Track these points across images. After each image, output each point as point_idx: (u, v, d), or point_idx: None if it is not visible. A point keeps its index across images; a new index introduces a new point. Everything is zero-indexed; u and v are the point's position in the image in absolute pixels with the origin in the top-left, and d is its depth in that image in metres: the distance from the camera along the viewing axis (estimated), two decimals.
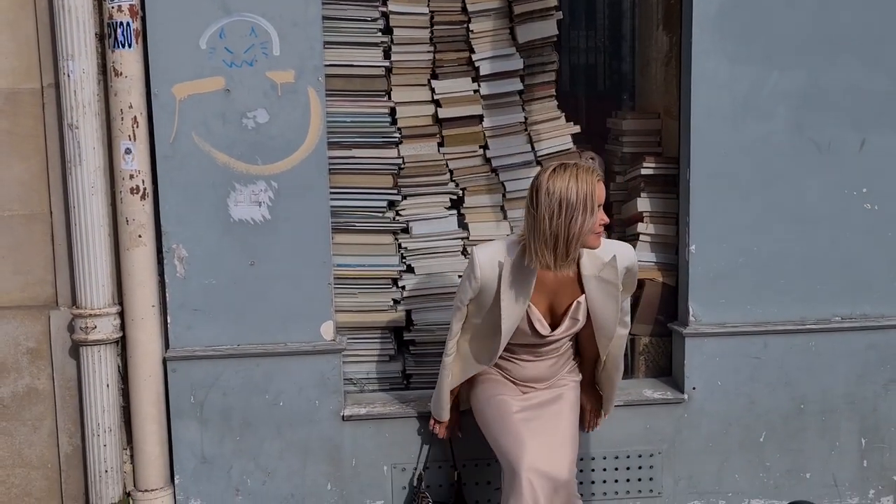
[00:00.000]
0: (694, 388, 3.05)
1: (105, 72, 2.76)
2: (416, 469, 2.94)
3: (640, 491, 3.07)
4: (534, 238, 2.33)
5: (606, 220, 2.37)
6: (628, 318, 2.65)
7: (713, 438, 3.07)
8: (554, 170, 2.32)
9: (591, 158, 3.30)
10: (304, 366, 2.90)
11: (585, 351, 2.73)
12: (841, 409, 3.11)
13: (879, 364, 3.10)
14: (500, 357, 2.59)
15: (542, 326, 2.50)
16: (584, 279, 2.46)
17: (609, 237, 3.27)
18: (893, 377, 3.11)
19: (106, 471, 2.85)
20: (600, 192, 2.33)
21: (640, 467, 3.06)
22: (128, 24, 2.69)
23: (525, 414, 2.55)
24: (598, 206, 2.32)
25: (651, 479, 3.07)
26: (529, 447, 2.41)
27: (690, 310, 3.04)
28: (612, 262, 2.43)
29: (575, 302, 2.50)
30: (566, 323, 2.51)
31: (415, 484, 2.93)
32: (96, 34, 2.73)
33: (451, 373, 2.62)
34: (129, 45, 2.71)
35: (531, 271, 2.42)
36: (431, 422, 2.80)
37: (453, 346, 2.58)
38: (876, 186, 3.05)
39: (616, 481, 3.06)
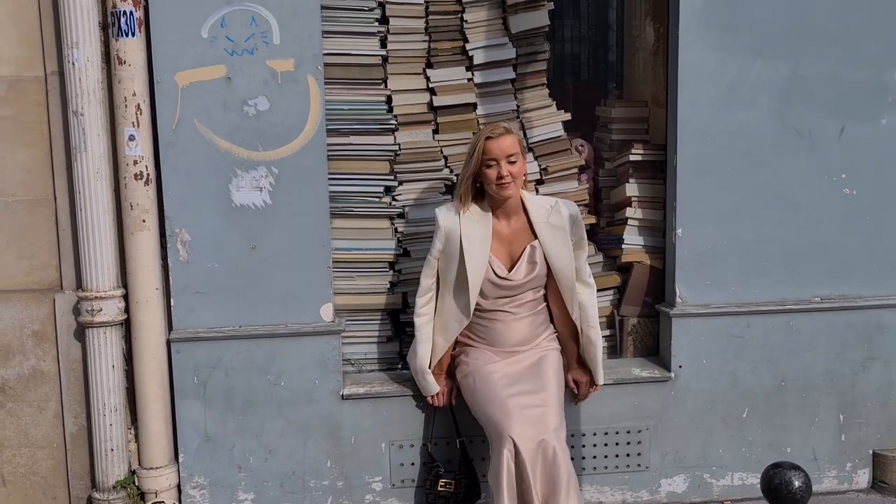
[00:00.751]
0: (680, 367, 3.17)
1: (108, 60, 2.81)
2: (423, 443, 3.03)
3: (628, 465, 3.19)
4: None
5: (504, 173, 2.68)
6: (591, 280, 2.90)
7: (698, 415, 3.19)
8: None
9: (581, 146, 3.40)
10: (304, 347, 2.98)
11: (561, 326, 2.89)
12: (820, 387, 3.24)
13: (857, 343, 3.23)
14: (481, 318, 2.79)
15: (500, 268, 2.74)
16: (535, 226, 2.79)
17: (599, 222, 3.41)
18: (871, 355, 3.25)
19: (112, 449, 2.92)
20: (492, 147, 2.68)
21: (628, 443, 3.18)
22: (131, 13, 2.75)
23: (509, 382, 2.71)
24: (490, 159, 2.68)
25: (639, 453, 3.19)
26: (515, 415, 2.56)
27: (677, 291, 3.15)
28: (555, 207, 2.82)
29: (529, 246, 2.77)
30: (525, 267, 2.75)
31: (424, 456, 3.02)
32: (100, 23, 2.78)
33: (430, 340, 2.82)
34: (133, 34, 2.77)
35: (486, 222, 2.77)
36: (431, 397, 2.90)
37: (423, 303, 2.82)
38: (854, 173, 3.17)
39: (606, 456, 3.17)
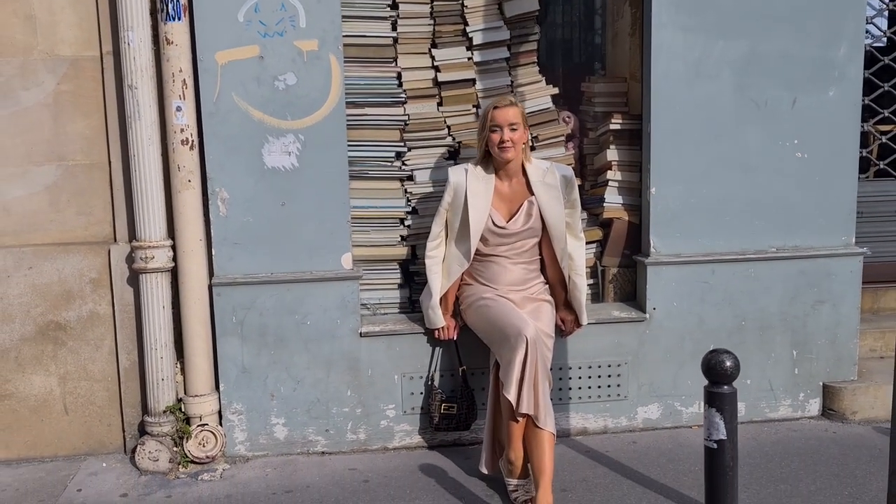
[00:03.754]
0: (654, 309, 3.61)
1: (157, 41, 3.23)
2: (428, 374, 3.47)
3: (609, 395, 3.64)
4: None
5: (507, 137, 3.09)
6: (582, 235, 3.35)
7: (670, 350, 3.64)
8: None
9: (568, 117, 3.83)
10: (327, 291, 3.42)
11: (552, 273, 3.31)
12: (776, 326, 3.69)
13: (808, 287, 3.68)
14: (482, 261, 3.22)
15: (500, 219, 3.16)
16: (532, 185, 3.20)
17: (584, 184, 3.82)
18: (820, 299, 3.69)
19: (162, 379, 3.37)
20: (496, 115, 3.09)
21: (609, 375, 3.63)
22: (177, 0, 3.18)
23: (519, 303, 3.14)
24: (494, 125, 3.09)
25: (619, 385, 3.63)
26: (529, 321, 2.98)
27: (651, 243, 3.60)
28: (550, 168, 3.24)
29: (526, 201, 3.19)
30: (522, 218, 3.17)
31: (428, 384, 3.47)
32: (150, 9, 3.20)
33: (440, 276, 3.27)
34: (179, 18, 3.19)
35: (489, 181, 3.18)
36: (436, 331, 3.35)
37: (433, 246, 3.27)
38: (805, 138, 3.60)
39: (589, 387, 3.62)
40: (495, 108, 3.11)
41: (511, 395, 2.89)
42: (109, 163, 3.41)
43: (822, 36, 3.54)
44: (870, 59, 4.08)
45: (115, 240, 3.44)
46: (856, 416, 3.69)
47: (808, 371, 3.73)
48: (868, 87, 4.09)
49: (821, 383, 3.75)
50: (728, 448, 2.07)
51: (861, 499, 3.02)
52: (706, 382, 2.17)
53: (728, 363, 2.03)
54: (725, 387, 2.06)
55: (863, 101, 3.89)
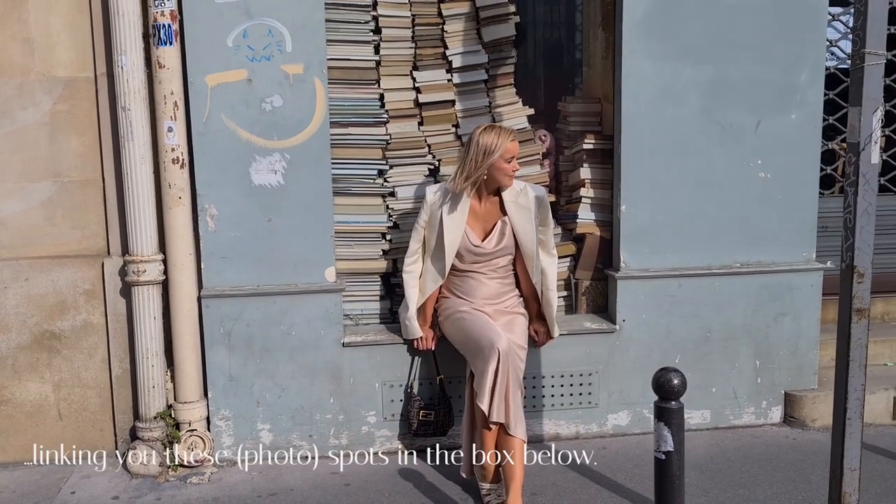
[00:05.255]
0: (624, 321, 3.79)
1: (150, 64, 3.38)
2: (407, 382, 3.63)
3: (581, 402, 3.81)
4: (461, 170, 3.27)
5: (517, 167, 3.27)
6: (554, 251, 3.49)
7: (638, 360, 3.80)
8: (485, 128, 3.27)
9: (544, 136, 4.00)
10: (311, 302, 3.57)
11: (525, 287, 3.46)
12: (740, 337, 3.86)
13: (770, 301, 3.85)
14: (459, 275, 3.37)
15: (475, 238, 3.32)
16: (506, 205, 3.34)
17: (559, 201, 3.99)
18: (782, 311, 3.87)
19: (153, 386, 3.52)
20: (511, 147, 3.22)
21: (581, 384, 3.79)
22: (169, 25, 3.33)
23: (493, 316, 3.30)
24: (511, 157, 3.22)
25: (590, 393, 3.80)
26: (502, 334, 3.14)
27: (621, 258, 3.77)
28: (523, 190, 3.36)
29: (500, 221, 3.33)
30: (496, 237, 3.32)
31: (407, 391, 3.64)
32: (143, 34, 3.35)
33: (416, 291, 3.42)
34: (171, 43, 3.34)
35: (465, 202, 3.30)
36: (415, 342, 3.52)
37: (411, 262, 3.43)
38: (769, 159, 3.78)
39: (562, 395, 3.79)
40: (511, 140, 3.23)
41: (483, 405, 3.05)
42: (103, 179, 3.55)
43: (784, 62, 3.72)
44: (836, 80, 4.26)
45: (109, 253, 3.59)
46: (815, 423, 3.87)
47: (771, 380, 3.91)
48: (834, 107, 4.27)
49: (783, 392, 3.93)
50: (675, 459, 2.24)
51: None
52: (656, 398, 2.34)
53: (675, 381, 2.20)
54: (673, 402, 2.23)
55: (828, 120, 4.09)
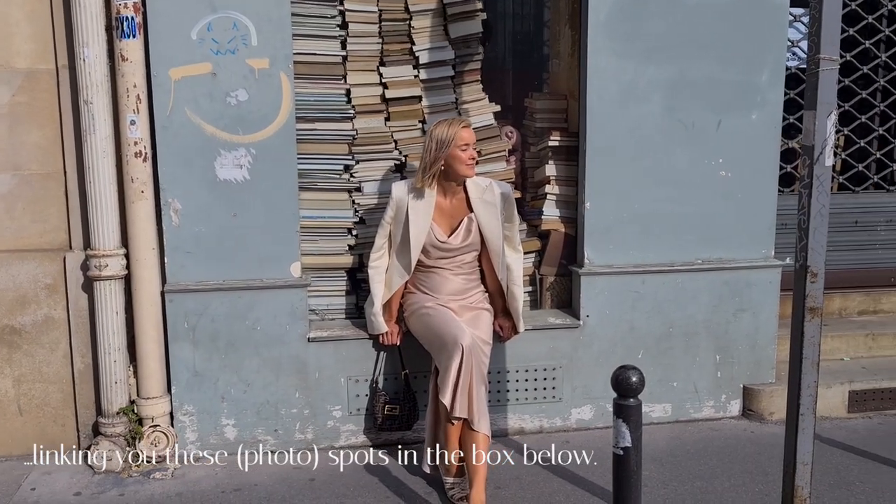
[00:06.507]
0: (587, 316, 3.84)
1: (112, 57, 3.34)
2: (373, 377, 3.65)
3: (545, 397, 3.85)
4: (420, 166, 3.31)
5: (474, 155, 3.28)
6: (520, 247, 3.52)
7: (602, 355, 3.86)
8: (439, 122, 3.31)
9: (510, 132, 4.03)
10: (277, 298, 3.57)
11: (490, 283, 3.49)
12: (701, 332, 3.94)
13: (730, 297, 3.93)
14: (425, 271, 3.39)
15: (441, 234, 3.34)
16: (472, 202, 3.37)
17: (524, 197, 4.02)
18: (741, 307, 3.95)
19: (116, 382, 3.49)
20: (464, 134, 3.24)
21: (545, 378, 3.84)
22: (132, 18, 3.29)
23: (458, 312, 3.33)
24: (464, 144, 3.23)
25: (554, 387, 3.85)
26: (466, 330, 3.17)
27: (585, 254, 3.81)
28: (489, 186, 3.39)
29: (466, 218, 3.36)
30: (461, 233, 3.35)
31: (372, 386, 3.65)
32: (105, 26, 3.31)
33: (382, 286, 3.43)
34: (134, 36, 3.30)
35: (431, 198, 3.32)
36: (380, 337, 3.53)
37: (376, 257, 3.43)
38: (730, 157, 3.85)
39: (526, 389, 3.83)
40: (463, 127, 3.26)
41: (446, 400, 3.08)
42: (65, 173, 3.51)
43: (745, 63, 3.78)
44: (797, 80, 4.33)
45: (71, 247, 3.55)
46: (773, 416, 3.96)
47: (730, 374, 3.99)
48: (796, 106, 4.35)
49: (741, 385, 4.01)
50: (633, 454, 2.29)
51: (770, 495, 3.27)
52: (615, 395, 2.38)
53: (633, 378, 2.24)
54: (631, 400, 2.27)
55: (788, 119, 4.16)
